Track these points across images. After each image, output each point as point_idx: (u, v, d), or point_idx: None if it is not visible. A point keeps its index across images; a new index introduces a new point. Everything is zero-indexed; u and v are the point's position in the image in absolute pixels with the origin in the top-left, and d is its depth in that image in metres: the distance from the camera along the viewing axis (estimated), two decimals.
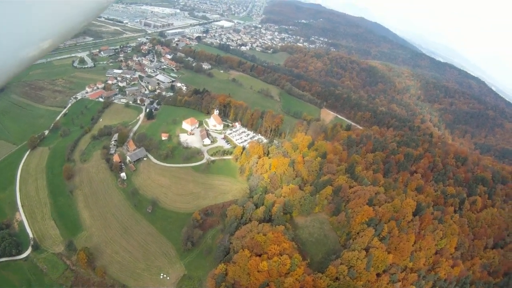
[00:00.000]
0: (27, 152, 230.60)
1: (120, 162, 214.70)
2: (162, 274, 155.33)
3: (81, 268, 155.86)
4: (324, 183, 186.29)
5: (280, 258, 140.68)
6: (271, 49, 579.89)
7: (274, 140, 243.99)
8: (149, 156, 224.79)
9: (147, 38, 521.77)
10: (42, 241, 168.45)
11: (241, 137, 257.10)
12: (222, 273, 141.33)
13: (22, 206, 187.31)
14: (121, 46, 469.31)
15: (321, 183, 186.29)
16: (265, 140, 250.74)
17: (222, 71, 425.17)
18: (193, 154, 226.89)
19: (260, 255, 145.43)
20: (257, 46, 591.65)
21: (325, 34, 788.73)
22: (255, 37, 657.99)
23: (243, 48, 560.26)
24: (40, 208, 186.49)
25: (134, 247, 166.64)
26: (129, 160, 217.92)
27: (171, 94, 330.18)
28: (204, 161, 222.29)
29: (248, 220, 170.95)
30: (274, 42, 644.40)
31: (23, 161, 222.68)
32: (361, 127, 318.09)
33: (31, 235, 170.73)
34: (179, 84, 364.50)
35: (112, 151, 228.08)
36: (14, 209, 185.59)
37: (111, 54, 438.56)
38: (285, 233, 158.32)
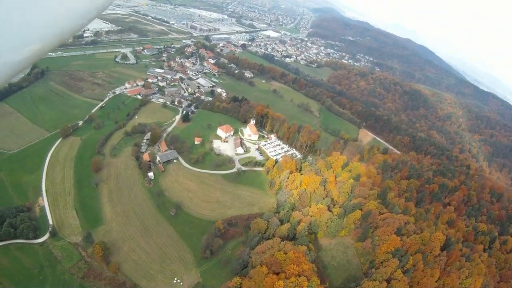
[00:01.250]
0: (59, 140, 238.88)
1: (149, 161, 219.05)
2: (176, 279, 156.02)
3: (95, 261, 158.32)
4: (353, 206, 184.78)
5: (297, 279, 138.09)
6: (316, 64, 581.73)
7: (309, 157, 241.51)
8: (180, 158, 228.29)
9: (192, 41, 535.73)
10: (60, 229, 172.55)
11: (275, 150, 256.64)
12: (236, 286, 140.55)
13: (46, 192, 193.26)
14: (165, 46, 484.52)
15: (351, 206, 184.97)
16: (299, 156, 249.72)
17: (264, 81, 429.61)
18: (224, 161, 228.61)
19: (277, 274, 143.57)
20: (301, 59, 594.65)
21: (370, 53, 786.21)
22: (300, 49, 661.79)
23: (287, 59, 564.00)
24: (63, 196, 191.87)
25: (152, 248, 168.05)
26: (158, 161, 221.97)
27: (210, 99, 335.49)
28: (234, 170, 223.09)
29: (271, 235, 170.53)
30: (319, 57, 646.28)
31: (53, 148, 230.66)
32: (398, 152, 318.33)
33: (50, 222, 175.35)
34: (219, 90, 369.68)
35: (143, 150, 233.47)
36: (37, 193, 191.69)
37: (154, 53, 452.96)
38: (307, 254, 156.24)
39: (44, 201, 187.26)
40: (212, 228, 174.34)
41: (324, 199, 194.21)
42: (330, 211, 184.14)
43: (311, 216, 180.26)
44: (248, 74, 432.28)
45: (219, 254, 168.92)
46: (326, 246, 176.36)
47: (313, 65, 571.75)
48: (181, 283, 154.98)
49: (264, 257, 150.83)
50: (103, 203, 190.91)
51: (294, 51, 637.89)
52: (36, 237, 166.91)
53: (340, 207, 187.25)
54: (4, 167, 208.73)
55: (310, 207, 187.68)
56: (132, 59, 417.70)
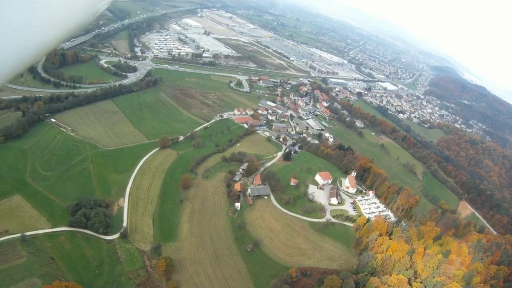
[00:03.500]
0: (155, 149, 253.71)
1: (240, 191, 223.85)
2: None
3: (156, 273, 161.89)
4: (435, 284, 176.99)
5: None
6: (428, 124, 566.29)
7: (402, 222, 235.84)
8: (271, 196, 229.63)
9: (309, 80, 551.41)
10: (132, 233, 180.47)
11: (369, 208, 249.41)
12: None
13: (129, 194, 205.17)
14: (281, 81, 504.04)
15: (432, 284, 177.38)
16: (393, 218, 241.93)
17: (373, 134, 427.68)
18: (315, 209, 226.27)
19: None
20: (414, 116, 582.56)
21: (484, 120, 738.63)
22: (415, 107, 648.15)
23: (400, 115, 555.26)
24: (145, 203, 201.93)
25: (217, 277, 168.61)
26: (249, 193, 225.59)
27: (316, 142, 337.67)
28: (324, 220, 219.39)
29: None
30: (433, 117, 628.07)
31: (148, 155, 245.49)
32: (495, 232, 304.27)
33: (125, 224, 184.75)
34: (327, 134, 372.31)
35: (236, 179, 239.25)
36: (120, 194, 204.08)
37: (269, 85, 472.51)
38: None
39: (125, 203, 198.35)
40: (284, 274, 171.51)
41: (407, 270, 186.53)
42: (410, 284, 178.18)
43: (389, 285, 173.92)
44: (359, 123, 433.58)
45: None
46: None
47: (425, 125, 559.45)
48: None
49: None
50: (182, 220, 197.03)
51: (409, 107, 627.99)
52: (106, 234, 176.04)
53: (421, 282, 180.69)
54: (96, 160, 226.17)
55: (390, 275, 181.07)
56: (246, 87, 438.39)
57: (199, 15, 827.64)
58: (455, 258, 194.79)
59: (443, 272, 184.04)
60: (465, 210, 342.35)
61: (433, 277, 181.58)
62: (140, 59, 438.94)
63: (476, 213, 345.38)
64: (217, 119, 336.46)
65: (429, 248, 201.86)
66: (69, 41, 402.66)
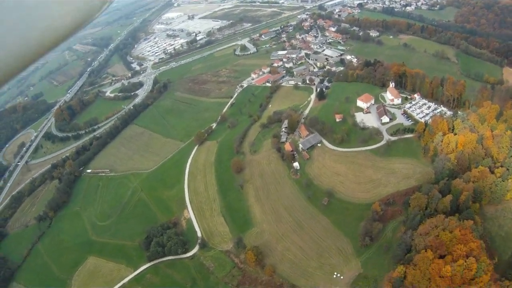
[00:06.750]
0: (195, 148, 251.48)
1: (292, 150, 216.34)
2: (335, 274, 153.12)
3: (249, 266, 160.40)
4: None
5: (465, 262, 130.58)
6: (438, 5, 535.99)
7: (459, 112, 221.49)
8: (323, 141, 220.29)
9: (307, 14, 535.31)
10: (210, 239, 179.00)
11: (422, 111, 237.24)
12: (401, 276, 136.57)
13: (190, 203, 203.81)
14: (282, 27, 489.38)
15: None
16: (448, 112, 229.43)
17: (391, 37, 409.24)
18: (371, 135, 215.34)
19: (443, 257, 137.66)
20: (422, 4, 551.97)
21: None
22: None
23: (408, 8, 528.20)
24: (208, 204, 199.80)
25: (307, 244, 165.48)
26: (301, 148, 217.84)
27: (342, 68, 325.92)
28: (383, 142, 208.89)
29: (433, 211, 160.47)
30: None
31: (191, 157, 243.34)
32: None
33: (199, 234, 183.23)
34: (348, 57, 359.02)
35: (283, 139, 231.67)
36: (182, 206, 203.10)
37: (272, 36, 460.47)
38: (474, 230, 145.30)
39: (190, 213, 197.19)
40: (369, 212, 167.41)
41: (483, 159, 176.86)
42: (492, 172, 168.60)
43: (473, 182, 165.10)
44: (373, 33, 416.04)
45: (379, 239, 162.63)
46: (491, 214, 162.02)
47: (436, 8, 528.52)
48: (341, 277, 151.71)
49: (428, 240, 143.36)
50: (250, 204, 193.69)
51: None
52: (185, 252, 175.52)
53: (502, 166, 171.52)
54: (144, 187, 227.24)
55: (470, 170, 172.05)
56: (252, 48, 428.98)
57: (175, 4, 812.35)
58: None
59: None
60: (511, 75, 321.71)
61: (511, 156, 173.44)
62: (141, 72, 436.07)
63: None
64: (239, 91, 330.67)
65: (495, 128, 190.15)
66: (67, 92, 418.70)
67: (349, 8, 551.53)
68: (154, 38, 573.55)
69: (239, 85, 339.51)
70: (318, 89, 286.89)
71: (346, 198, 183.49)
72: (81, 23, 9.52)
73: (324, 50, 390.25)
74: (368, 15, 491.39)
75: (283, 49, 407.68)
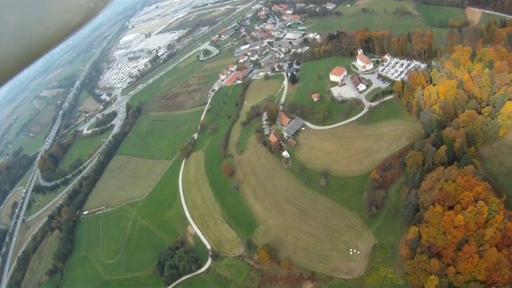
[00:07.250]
0: (183, 162, 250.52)
1: (278, 141, 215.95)
2: (351, 250, 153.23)
3: (265, 265, 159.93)
4: (501, 98, 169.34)
5: (475, 207, 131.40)
6: None
7: (432, 62, 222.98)
8: (306, 124, 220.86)
9: (260, 4, 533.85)
10: (220, 248, 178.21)
11: (396, 70, 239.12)
12: (415, 237, 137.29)
13: (192, 218, 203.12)
14: (239, 22, 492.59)
15: (499, 100, 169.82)
16: (422, 65, 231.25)
17: (348, 5, 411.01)
18: (351, 106, 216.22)
19: (452, 207, 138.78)
20: None
21: None
22: None
23: None
24: (210, 214, 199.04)
25: (316, 228, 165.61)
26: (287, 136, 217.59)
27: (307, 48, 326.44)
28: (365, 110, 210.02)
29: (431, 165, 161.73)
30: None
31: (181, 172, 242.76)
32: None
33: (208, 246, 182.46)
34: (311, 35, 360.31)
35: (267, 132, 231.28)
36: (185, 223, 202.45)
37: (232, 33, 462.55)
38: (475, 173, 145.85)
39: (194, 228, 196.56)
40: (368, 182, 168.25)
41: (468, 102, 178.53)
42: (480, 113, 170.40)
43: (463, 127, 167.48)
44: (330, 6, 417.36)
45: (385, 205, 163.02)
46: (489, 154, 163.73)
47: None
48: (358, 252, 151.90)
49: (433, 194, 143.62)
50: (250, 203, 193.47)
51: None
52: (200, 267, 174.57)
53: (488, 105, 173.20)
54: (143, 214, 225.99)
55: (458, 117, 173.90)
56: (215, 51, 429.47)
57: (130, 27, 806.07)
58: (501, 64, 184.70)
59: (500, 82, 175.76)
60: (475, 14, 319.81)
61: (494, 93, 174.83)
62: (112, 102, 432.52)
63: (487, 11, 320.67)
64: (212, 95, 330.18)
65: (472, 69, 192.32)
66: (46, 141, 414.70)
67: None
68: (117, 65, 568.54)
69: (211, 89, 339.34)
70: (289, 74, 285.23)
71: (342, 174, 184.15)
72: (84, 20, 9.64)
73: (285, 34, 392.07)
74: None
75: (245, 43, 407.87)
